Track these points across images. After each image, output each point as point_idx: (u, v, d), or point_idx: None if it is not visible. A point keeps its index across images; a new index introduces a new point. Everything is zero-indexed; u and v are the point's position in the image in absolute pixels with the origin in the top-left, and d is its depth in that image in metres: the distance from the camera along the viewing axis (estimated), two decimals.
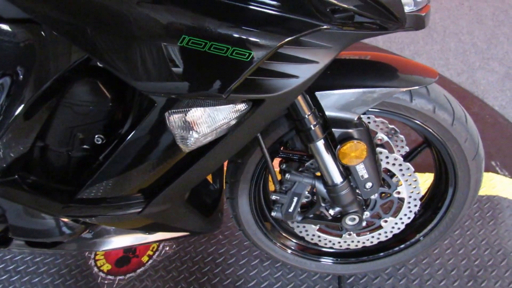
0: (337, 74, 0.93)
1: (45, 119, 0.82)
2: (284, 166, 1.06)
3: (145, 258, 1.43)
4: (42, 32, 0.72)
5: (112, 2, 0.64)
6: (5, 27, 0.72)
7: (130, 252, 1.45)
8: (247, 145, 0.97)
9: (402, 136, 1.15)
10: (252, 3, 0.65)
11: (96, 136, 0.87)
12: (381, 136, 1.11)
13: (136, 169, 0.84)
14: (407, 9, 0.75)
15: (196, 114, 0.74)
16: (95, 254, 1.44)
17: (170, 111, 0.73)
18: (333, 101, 0.92)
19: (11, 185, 0.88)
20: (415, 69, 0.97)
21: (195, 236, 1.42)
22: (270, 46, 0.67)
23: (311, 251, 1.32)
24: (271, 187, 1.13)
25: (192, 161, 0.84)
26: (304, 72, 0.73)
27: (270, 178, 1.23)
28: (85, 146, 0.88)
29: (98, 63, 0.78)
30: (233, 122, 0.78)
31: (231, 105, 0.75)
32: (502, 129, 1.90)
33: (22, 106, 0.77)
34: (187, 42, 0.64)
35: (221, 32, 0.65)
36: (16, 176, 0.88)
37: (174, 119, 0.73)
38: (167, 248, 1.46)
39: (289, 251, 1.30)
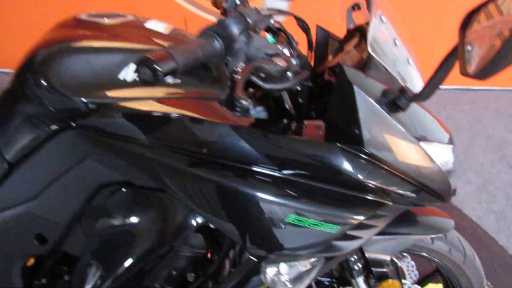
0: None
1: (151, 261, 1.01)
2: None
3: None
4: (167, 199, 0.93)
5: (231, 187, 0.86)
6: (138, 192, 0.94)
7: None
8: None
9: (413, 262, 1.38)
10: (339, 188, 0.86)
11: (189, 274, 1.05)
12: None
13: None
14: None
15: (285, 267, 0.94)
16: None
17: (265, 265, 0.93)
18: (372, 245, 1.14)
19: None
20: (435, 216, 1.20)
21: None
22: (353, 221, 0.89)
23: None
24: None
25: None
26: (366, 234, 0.94)
27: None
28: (177, 282, 1.06)
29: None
30: (312, 273, 0.98)
31: (312, 259, 0.96)
32: (480, 240, 2.15)
33: (140, 254, 0.96)
34: (292, 219, 0.86)
35: (318, 211, 0.86)
36: None
37: (269, 272, 0.93)
38: None
39: None
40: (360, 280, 1.15)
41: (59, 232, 1.07)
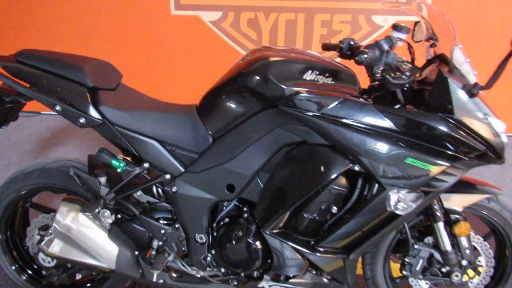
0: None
1: (306, 198, 1.56)
2: (412, 241, 1.77)
3: None
4: (326, 152, 1.50)
5: (374, 141, 1.43)
6: (308, 148, 1.52)
7: None
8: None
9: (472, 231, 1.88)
10: (433, 145, 1.44)
11: (334, 206, 1.60)
12: None
13: (355, 229, 1.56)
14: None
15: (402, 196, 1.48)
16: None
17: (390, 194, 1.48)
18: (448, 199, 1.69)
19: (280, 235, 1.60)
20: (487, 184, 1.75)
21: None
22: (442, 167, 1.44)
23: None
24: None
25: (387, 223, 1.57)
26: (450, 179, 1.49)
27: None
28: (324, 214, 1.60)
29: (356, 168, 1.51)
30: (419, 200, 1.52)
31: (417, 194, 1.51)
32: None
33: (303, 193, 1.52)
34: (409, 161, 1.43)
35: (424, 157, 1.42)
36: (283, 229, 1.60)
37: (392, 198, 1.48)
38: None
39: None
40: (440, 224, 1.68)
41: (244, 183, 1.64)
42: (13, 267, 2.01)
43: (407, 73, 1.46)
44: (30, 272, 2.05)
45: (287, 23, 3.89)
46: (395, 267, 1.91)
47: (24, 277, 2.03)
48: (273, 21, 3.89)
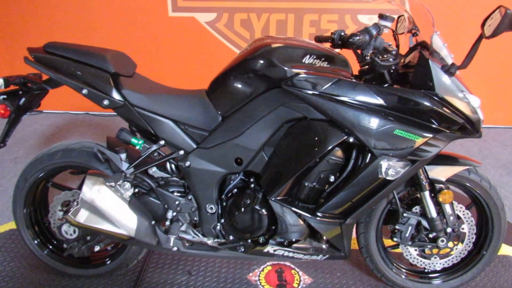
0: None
1: (307, 168, 1.74)
2: (401, 209, 1.96)
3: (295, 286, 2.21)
4: (324, 126, 1.69)
5: (366, 115, 1.63)
6: (308, 123, 1.70)
7: (283, 280, 2.23)
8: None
9: (456, 202, 2.08)
10: (417, 119, 1.63)
11: (332, 176, 1.78)
12: None
13: (351, 195, 1.75)
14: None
15: (392, 164, 1.67)
16: (259, 278, 2.22)
17: (381, 162, 1.67)
18: (432, 170, 1.88)
19: (284, 202, 1.78)
20: (467, 158, 1.95)
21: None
22: (425, 138, 1.64)
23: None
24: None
25: (379, 189, 1.75)
26: (433, 150, 1.68)
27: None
28: (323, 182, 1.79)
29: (351, 140, 1.70)
30: (407, 167, 1.71)
31: (405, 162, 1.70)
32: None
33: (304, 163, 1.71)
34: (397, 132, 1.62)
35: (410, 129, 1.61)
36: (287, 197, 1.78)
37: (383, 165, 1.67)
38: (306, 279, 2.25)
39: (403, 276, 2.14)
40: (426, 193, 1.88)
41: (251, 156, 1.81)
42: (36, 241, 2.18)
43: (393, 54, 1.66)
44: (50, 246, 2.23)
45: (278, 23, 4.10)
46: (387, 241, 2.11)
47: (45, 251, 2.21)
48: (264, 21, 4.10)
